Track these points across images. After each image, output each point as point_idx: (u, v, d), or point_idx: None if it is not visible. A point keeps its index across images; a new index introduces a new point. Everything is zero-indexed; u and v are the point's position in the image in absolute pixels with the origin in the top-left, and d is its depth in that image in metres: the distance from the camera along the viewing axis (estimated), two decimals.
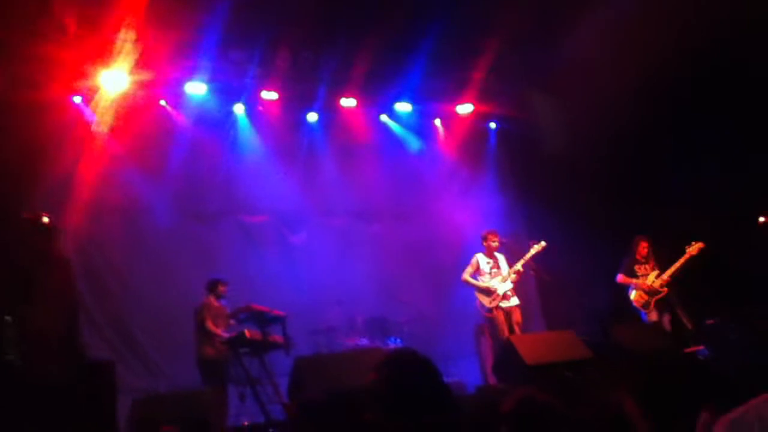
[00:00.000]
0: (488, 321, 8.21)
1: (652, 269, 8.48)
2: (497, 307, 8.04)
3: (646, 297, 8.38)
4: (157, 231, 9.18)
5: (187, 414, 5.96)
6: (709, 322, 8.30)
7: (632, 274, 8.50)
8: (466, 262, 8.44)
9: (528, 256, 8.20)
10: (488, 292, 8.09)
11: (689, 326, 9.34)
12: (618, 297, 8.87)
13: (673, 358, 6.97)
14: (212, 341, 7.52)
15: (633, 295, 8.49)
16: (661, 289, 8.34)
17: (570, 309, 9.85)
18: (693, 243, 8.31)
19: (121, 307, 8.75)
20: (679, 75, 8.52)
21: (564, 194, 10.26)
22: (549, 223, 10.31)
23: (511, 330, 7.95)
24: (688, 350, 8.41)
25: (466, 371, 9.41)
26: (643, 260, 8.55)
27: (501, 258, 8.37)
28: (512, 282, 8.16)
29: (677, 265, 8.32)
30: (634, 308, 8.49)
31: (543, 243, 8.25)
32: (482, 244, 8.36)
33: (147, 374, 8.67)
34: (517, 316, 8.09)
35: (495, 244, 8.29)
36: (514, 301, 8.15)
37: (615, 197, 9.72)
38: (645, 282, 8.40)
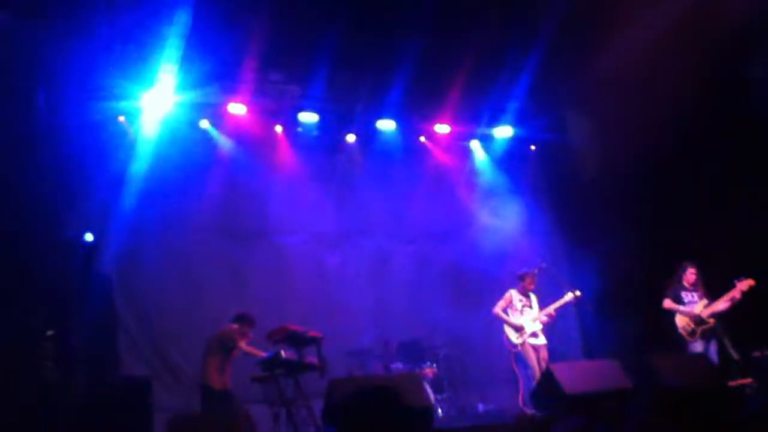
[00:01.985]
0: (515, 355, 8.30)
1: (700, 298, 8.24)
2: (524, 343, 8.14)
3: (692, 325, 8.14)
4: (194, 250, 9.27)
5: None
6: (757, 354, 8.03)
7: (679, 301, 8.27)
8: (504, 287, 8.51)
9: (561, 302, 8.31)
10: (517, 328, 8.19)
11: (736, 358, 9.04)
12: (658, 323, 8.65)
13: (717, 391, 6.74)
14: (225, 371, 7.38)
15: (678, 321, 8.26)
16: (708, 320, 8.10)
17: (609, 336, 9.59)
18: (742, 278, 8.03)
19: (158, 325, 8.79)
20: (716, 93, 8.35)
21: (602, 217, 10.10)
22: (587, 246, 10.17)
23: (543, 367, 7.93)
24: (734, 383, 8.14)
25: (503, 398, 9.23)
26: (691, 287, 8.32)
27: (533, 297, 8.46)
28: (542, 323, 8.26)
29: (726, 298, 8.06)
30: (679, 335, 8.25)
31: (578, 293, 8.31)
32: (518, 282, 8.43)
33: (182, 393, 8.66)
34: (543, 354, 8.14)
35: (531, 287, 8.40)
36: (542, 339, 8.22)
37: (653, 219, 9.51)
38: (693, 310, 8.17)
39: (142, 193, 8.51)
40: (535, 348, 8.13)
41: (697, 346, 8.07)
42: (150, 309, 8.78)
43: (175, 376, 8.75)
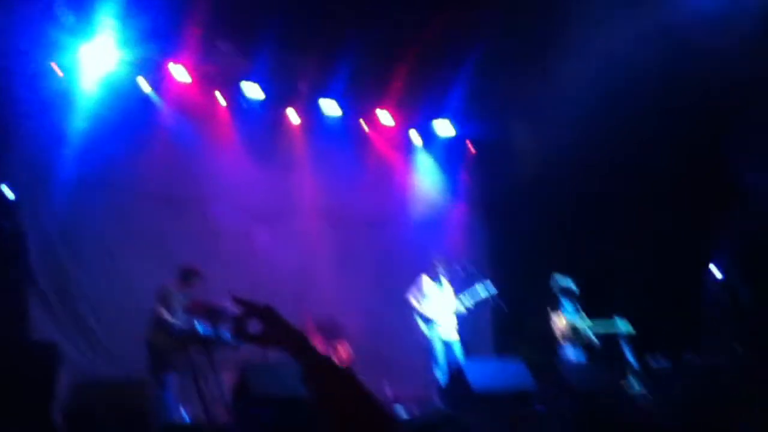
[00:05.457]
0: (424, 347, 8.24)
1: (577, 310, 8.55)
2: (434, 336, 8.12)
3: (566, 333, 8.42)
4: (119, 210, 9.02)
5: (125, 404, 5.89)
6: (655, 365, 8.47)
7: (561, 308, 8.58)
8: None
9: (476, 297, 8.34)
10: (427, 320, 8.17)
11: (635, 366, 9.50)
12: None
13: (613, 400, 7.10)
14: (164, 328, 7.36)
15: (557, 324, 8.51)
16: (582, 338, 8.38)
17: (520, 338, 9.88)
18: (625, 322, 8.40)
19: (75, 286, 8.55)
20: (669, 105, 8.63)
21: (527, 223, 10.40)
22: (509, 250, 10.47)
23: (452, 360, 8.01)
24: (630, 392, 8.57)
25: (411, 384, 9.35)
26: (571, 300, 8.63)
27: (448, 287, 8.44)
28: (456, 314, 8.27)
29: (602, 329, 8.40)
30: (554, 337, 8.50)
31: (494, 291, 8.38)
32: (431, 269, 8.40)
33: (90, 352, 8.48)
34: (457, 349, 8.17)
35: (444, 274, 8.37)
36: (454, 335, 8.22)
37: (577, 232, 9.85)
38: (574, 324, 8.44)
39: (72, 150, 8.24)
40: (446, 342, 8.13)
41: (569, 350, 8.36)
42: (68, 270, 8.53)
43: (85, 335, 8.54)
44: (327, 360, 1.57)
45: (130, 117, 8.91)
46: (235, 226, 9.97)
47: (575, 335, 8.40)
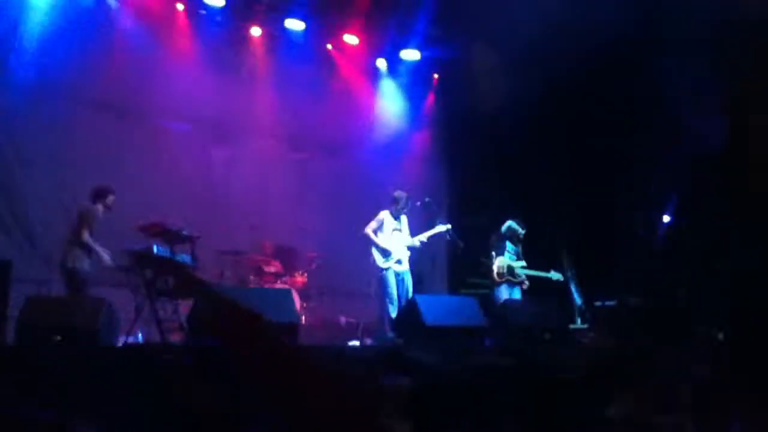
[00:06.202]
0: (378, 279, 8.16)
1: (517, 254, 8.71)
2: (389, 269, 8.07)
3: (503, 273, 8.58)
4: (71, 121, 8.64)
5: (74, 321, 5.80)
6: (597, 303, 8.83)
7: (501, 251, 8.70)
8: (383, 208, 8.39)
9: (432, 232, 8.29)
10: (385, 253, 8.11)
11: (579, 304, 9.87)
12: None
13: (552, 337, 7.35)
14: (88, 252, 6.93)
15: (495, 264, 8.63)
16: (516, 277, 8.59)
17: (473, 274, 10.01)
18: (558, 273, 8.65)
19: (23, 194, 8.26)
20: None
21: (490, 161, 10.43)
22: (470, 187, 10.52)
23: (402, 293, 8.02)
24: (574, 327, 8.95)
25: (363, 314, 9.48)
26: (514, 243, 8.77)
27: (404, 220, 8.36)
28: (411, 248, 8.23)
29: (535, 273, 8.62)
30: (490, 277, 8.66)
31: (449, 226, 8.32)
32: (391, 204, 8.25)
33: (42, 266, 8.28)
34: (407, 280, 8.13)
35: (404, 210, 8.25)
36: (406, 266, 8.19)
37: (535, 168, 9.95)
38: (510, 264, 8.63)
39: (24, 56, 7.84)
40: (398, 274, 8.09)
41: (502, 289, 8.54)
42: (17, 177, 8.20)
43: (36, 248, 8.33)
44: (235, 306, 1.62)
45: (86, 23, 8.46)
46: (191, 143, 9.72)
47: (510, 275, 8.57)
